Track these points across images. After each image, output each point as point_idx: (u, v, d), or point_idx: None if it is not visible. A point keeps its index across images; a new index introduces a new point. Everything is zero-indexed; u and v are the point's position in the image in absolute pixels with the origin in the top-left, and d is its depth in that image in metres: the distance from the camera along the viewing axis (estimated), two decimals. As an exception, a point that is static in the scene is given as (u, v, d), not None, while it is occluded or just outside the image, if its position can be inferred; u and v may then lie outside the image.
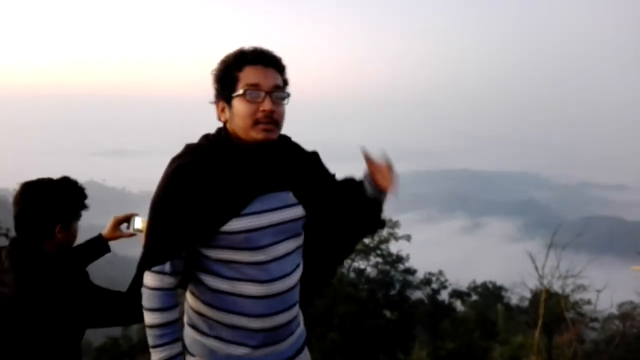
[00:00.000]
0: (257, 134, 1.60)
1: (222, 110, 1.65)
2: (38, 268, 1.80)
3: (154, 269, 1.61)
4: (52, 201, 1.86)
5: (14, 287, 1.76)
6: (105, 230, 2.19)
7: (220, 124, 1.70)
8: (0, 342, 1.80)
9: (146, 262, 1.63)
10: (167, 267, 1.61)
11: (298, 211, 1.72)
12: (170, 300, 1.64)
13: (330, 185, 1.86)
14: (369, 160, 1.83)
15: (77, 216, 1.96)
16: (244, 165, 1.63)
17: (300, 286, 1.79)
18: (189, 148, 1.67)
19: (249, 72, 1.60)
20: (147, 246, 1.64)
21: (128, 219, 2.15)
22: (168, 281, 1.62)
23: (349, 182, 1.91)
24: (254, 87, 1.59)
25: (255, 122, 1.59)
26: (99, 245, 2.18)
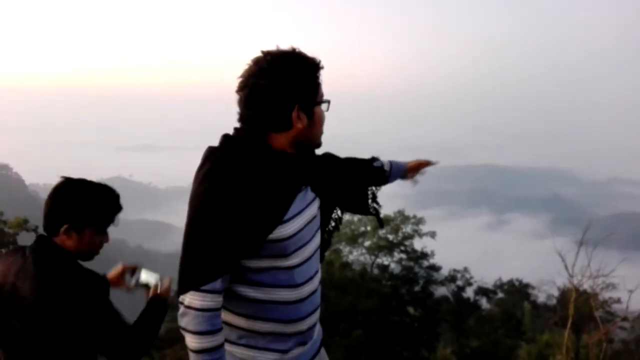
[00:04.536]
0: (321, 140, 1.72)
1: (298, 116, 1.59)
2: (61, 268, 1.73)
3: (204, 288, 1.51)
4: (87, 202, 1.79)
5: (33, 286, 1.70)
6: (110, 274, 2.06)
7: (235, 125, 1.64)
8: (18, 344, 1.74)
9: (195, 281, 1.52)
10: (218, 284, 1.53)
11: (316, 206, 1.74)
12: (219, 321, 1.56)
13: (330, 168, 1.89)
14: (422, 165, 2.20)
15: (102, 224, 1.85)
16: (281, 170, 1.60)
17: None
18: (221, 157, 1.59)
19: (320, 81, 1.64)
20: (191, 265, 1.54)
21: (134, 269, 2.03)
22: (218, 300, 1.54)
23: (340, 159, 1.98)
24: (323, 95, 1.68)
25: None
26: None
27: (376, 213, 2.04)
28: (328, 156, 1.95)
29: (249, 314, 1.63)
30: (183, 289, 1.54)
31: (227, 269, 1.54)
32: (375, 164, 2.04)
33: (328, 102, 1.66)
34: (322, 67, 1.63)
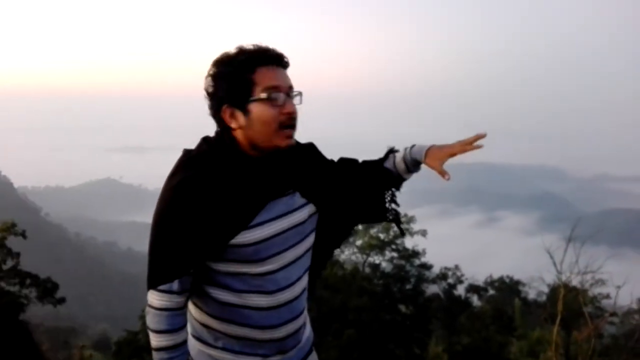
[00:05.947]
0: (281, 141, 1.53)
1: (231, 115, 1.52)
2: None
3: (161, 288, 1.52)
4: None
5: None
6: None
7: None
8: None
9: (152, 281, 1.53)
10: (175, 285, 1.52)
11: (306, 211, 1.66)
12: (179, 320, 1.57)
13: (333, 174, 1.77)
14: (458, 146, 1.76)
15: None
16: (252, 174, 1.54)
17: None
18: (189, 158, 1.56)
19: (265, 74, 1.51)
20: (152, 264, 1.54)
21: None
22: (176, 300, 1.53)
23: (355, 163, 1.85)
24: (275, 89, 1.50)
25: (280, 126, 1.51)
26: None
27: (395, 217, 1.86)
28: (341, 161, 1.84)
29: (222, 316, 1.61)
30: (147, 287, 1.56)
31: (183, 271, 1.52)
32: (385, 163, 1.83)
33: (262, 99, 1.50)
34: (263, 59, 1.51)
